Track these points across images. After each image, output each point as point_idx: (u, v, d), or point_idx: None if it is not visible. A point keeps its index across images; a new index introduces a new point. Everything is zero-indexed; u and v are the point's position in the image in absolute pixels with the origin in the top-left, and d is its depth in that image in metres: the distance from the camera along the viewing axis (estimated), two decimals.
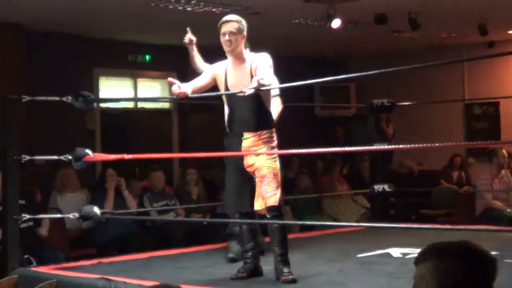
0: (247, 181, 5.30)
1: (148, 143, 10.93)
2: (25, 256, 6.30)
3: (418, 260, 2.00)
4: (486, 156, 9.88)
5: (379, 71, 4.92)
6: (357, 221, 9.79)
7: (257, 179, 5.17)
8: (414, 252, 5.83)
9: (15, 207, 5.56)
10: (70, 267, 5.80)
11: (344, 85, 13.03)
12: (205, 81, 5.42)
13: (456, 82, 12.40)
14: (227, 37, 5.28)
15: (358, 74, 4.99)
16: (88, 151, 5.24)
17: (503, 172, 9.41)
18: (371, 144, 7.33)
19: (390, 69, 4.46)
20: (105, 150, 8.02)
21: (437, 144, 5.49)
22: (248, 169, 5.24)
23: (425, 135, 11.34)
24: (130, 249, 7.03)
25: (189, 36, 5.71)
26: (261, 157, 5.21)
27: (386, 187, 7.65)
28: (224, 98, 5.38)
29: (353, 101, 12.75)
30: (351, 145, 9.45)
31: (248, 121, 5.27)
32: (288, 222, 8.99)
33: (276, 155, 5.27)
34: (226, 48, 5.31)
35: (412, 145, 5.22)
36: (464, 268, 1.93)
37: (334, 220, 9.93)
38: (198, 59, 5.83)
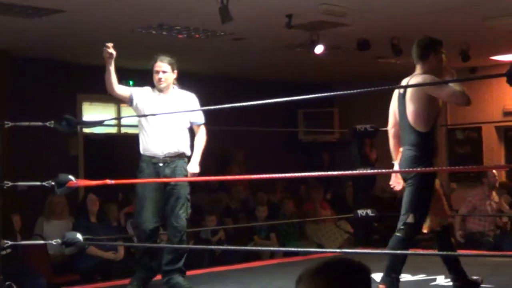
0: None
1: (132, 169, 10.88)
2: (7, 283, 6.25)
3: (296, 283, 2.00)
4: (469, 181, 9.93)
5: (359, 90, 4.95)
6: (340, 246, 9.80)
7: None
8: None
9: None
10: None
11: (327, 111, 13.09)
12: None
13: None
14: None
15: (337, 93, 5.02)
16: (71, 177, 5.24)
17: (493, 193, 9.46)
18: (354, 169, 7.36)
19: (370, 89, 4.50)
20: (88, 176, 8.00)
21: (418, 169, 5.51)
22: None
23: None
24: (113, 275, 7.00)
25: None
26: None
27: (369, 211, 7.67)
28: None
29: (337, 127, 12.81)
30: (335, 170, 9.47)
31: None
32: (271, 249, 8.99)
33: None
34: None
35: (395, 170, 5.24)
36: (343, 280, 1.95)
37: (318, 245, 9.92)
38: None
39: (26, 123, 5.79)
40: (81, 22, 7.81)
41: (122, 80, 5.86)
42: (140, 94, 5.83)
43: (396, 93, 5.40)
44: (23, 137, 8.96)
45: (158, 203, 5.74)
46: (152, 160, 5.74)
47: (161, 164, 5.73)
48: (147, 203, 5.70)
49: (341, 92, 10.64)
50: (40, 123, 5.46)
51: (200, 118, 5.95)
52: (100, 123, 10.87)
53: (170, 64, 5.83)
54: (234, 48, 9.44)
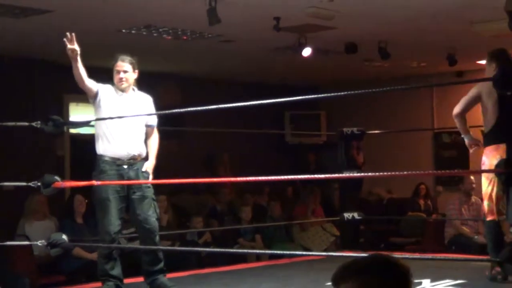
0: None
1: None
2: None
3: (338, 281, 1.99)
4: (455, 185, 9.96)
5: (346, 93, 4.96)
6: (326, 249, 9.80)
7: None
8: None
9: None
10: None
11: (314, 113, 13.11)
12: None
13: (426, 111, 12.52)
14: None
15: (324, 95, 5.03)
16: (57, 177, 5.22)
17: (473, 199, 9.48)
18: (341, 172, 7.37)
19: (358, 91, 4.52)
20: (74, 176, 7.97)
21: (405, 172, 5.55)
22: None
23: (394, 163, 11.42)
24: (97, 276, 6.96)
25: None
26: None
27: (355, 215, 7.67)
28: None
29: (324, 129, 12.83)
30: (322, 173, 9.49)
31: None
32: (257, 251, 8.99)
33: None
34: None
35: (381, 173, 5.26)
36: (386, 282, 1.94)
37: (304, 248, 9.93)
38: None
39: (13, 123, 5.77)
40: (67, 23, 7.76)
41: (110, 81, 5.84)
42: (104, 92, 5.74)
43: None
44: (9, 137, 8.92)
45: (121, 206, 5.65)
46: (117, 162, 5.63)
47: (125, 166, 5.64)
48: (111, 206, 5.57)
49: (329, 95, 10.62)
50: (26, 124, 5.44)
51: (155, 120, 5.94)
52: (86, 124, 10.90)
53: (131, 63, 5.76)
54: (222, 50, 9.44)
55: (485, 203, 6.13)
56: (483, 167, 6.03)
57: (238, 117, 10.50)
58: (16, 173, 6.96)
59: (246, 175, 5.25)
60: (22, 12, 7.22)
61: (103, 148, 5.68)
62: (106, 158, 5.64)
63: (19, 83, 9.71)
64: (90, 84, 5.70)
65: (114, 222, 5.57)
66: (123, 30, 8.17)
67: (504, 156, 5.69)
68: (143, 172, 5.70)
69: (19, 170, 8.27)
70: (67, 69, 10.02)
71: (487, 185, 6.07)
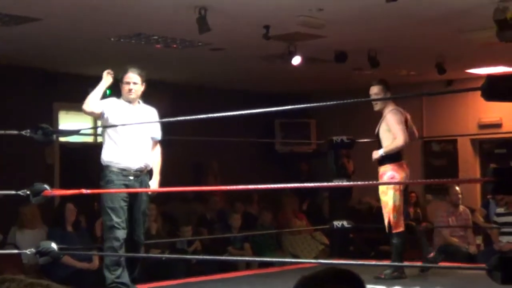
0: None
1: None
2: None
3: None
4: (444, 194, 9.99)
5: (336, 102, 4.98)
6: (316, 257, 9.81)
7: None
8: None
9: None
10: None
11: (304, 122, 13.12)
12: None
13: (415, 119, 12.49)
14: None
15: (314, 104, 5.05)
16: (46, 186, 5.20)
17: (461, 208, 9.51)
18: (331, 180, 7.39)
19: (348, 101, 4.53)
20: (64, 185, 7.96)
21: (395, 181, 5.58)
22: None
23: None
24: (87, 285, 6.95)
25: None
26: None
27: (345, 223, 7.69)
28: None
29: (314, 138, 12.84)
30: (312, 181, 9.50)
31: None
32: (247, 259, 8.99)
33: None
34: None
35: (370, 182, 5.27)
36: None
37: (294, 256, 9.93)
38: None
39: (2, 132, 5.75)
40: (58, 31, 7.78)
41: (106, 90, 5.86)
42: (109, 106, 5.82)
43: None
44: None
45: (125, 214, 5.70)
46: (123, 173, 5.71)
47: (131, 177, 5.72)
48: (118, 214, 5.65)
49: (318, 104, 10.68)
50: (15, 132, 5.43)
51: (159, 134, 6.00)
52: (76, 132, 10.91)
53: (140, 76, 5.85)
54: (213, 59, 9.46)
55: (392, 216, 6.67)
56: (394, 180, 6.56)
57: (227, 124, 10.51)
58: (5, 182, 6.94)
59: (236, 184, 5.25)
60: (13, 20, 7.21)
61: (110, 158, 5.77)
62: (113, 169, 5.73)
63: (8, 90, 9.68)
64: (97, 108, 5.79)
65: (121, 229, 5.65)
66: (112, 39, 8.17)
67: (408, 172, 6.77)
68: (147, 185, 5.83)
69: (8, 179, 8.25)
70: (56, 76, 10.02)
71: (397, 198, 6.63)
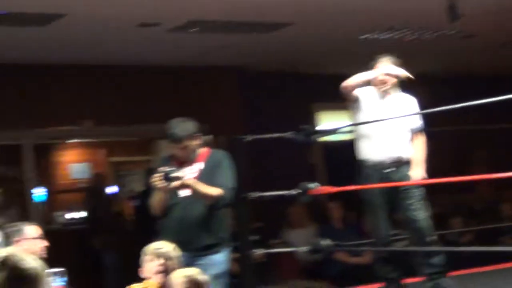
0: None
1: None
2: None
3: None
4: None
5: None
6: None
7: None
8: None
9: (247, 242, 5.68)
10: None
11: None
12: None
13: None
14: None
15: None
16: (313, 184, 5.28)
17: None
18: None
19: None
20: (329, 183, 8.13)
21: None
22: None
23: None
24: (359, 281, 6.99)
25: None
26: None
27: None
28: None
29: None
30: None
31: None
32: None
33: None
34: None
35: None
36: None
37: None
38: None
39: (268, 136, 5.90)
40: (308, 35, 8.04)
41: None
42: (365, 95, 5.62)
43: None
44: (262, 150, 9.28)
45: (387, 209, 5.58)
46: (379, 166, 5.53)
47: (387, 170, 5.52)
48: (378, 210, 5.55)
49: None
50: (277, 135, 5.55)
51: (417, 124, 5.64)
52: (334, 131, 11.11)
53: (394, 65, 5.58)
54: (464, 46, 9.18)
55: None
56: None
57: (487, 112, 10.10)
58: (271, 184, 7.21)
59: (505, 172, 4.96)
60: (266, 27, 7.54)
61: (365, 152, 5.64)
62: (368, 163, 5.59)
63: (266, 95, 10.11)
64: (355, 90, 5.60)
65: (382, 225, 5.57)
66: (360, 37, 8.28)
67: None
68: (408, 174, 5.53)
69: (273, 181, 8.58)
70: (312, 78, 10.27)
71: None
